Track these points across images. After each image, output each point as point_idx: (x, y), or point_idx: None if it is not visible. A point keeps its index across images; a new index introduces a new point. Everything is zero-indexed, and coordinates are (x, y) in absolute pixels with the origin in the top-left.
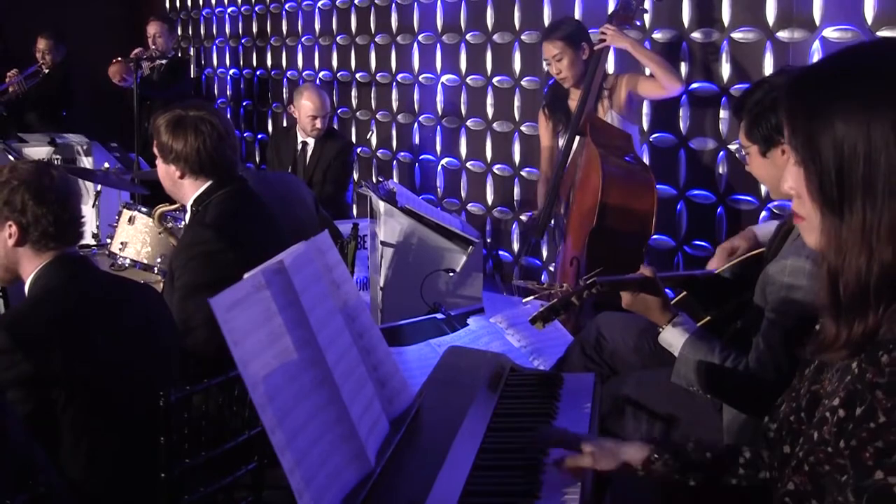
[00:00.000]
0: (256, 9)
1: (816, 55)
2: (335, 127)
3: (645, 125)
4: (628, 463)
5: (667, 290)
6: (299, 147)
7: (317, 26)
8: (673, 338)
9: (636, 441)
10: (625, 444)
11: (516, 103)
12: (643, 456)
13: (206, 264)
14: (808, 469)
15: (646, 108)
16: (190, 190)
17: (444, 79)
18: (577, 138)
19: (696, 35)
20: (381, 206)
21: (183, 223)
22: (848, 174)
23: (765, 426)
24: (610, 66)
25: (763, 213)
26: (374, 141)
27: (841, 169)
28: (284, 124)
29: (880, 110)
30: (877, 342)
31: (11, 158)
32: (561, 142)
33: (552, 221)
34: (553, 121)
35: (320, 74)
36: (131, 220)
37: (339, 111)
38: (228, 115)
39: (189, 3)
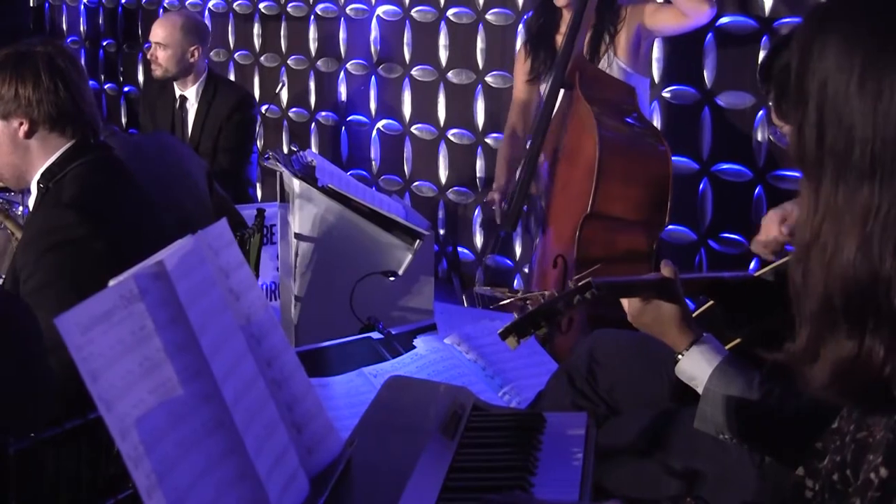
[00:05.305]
0: None
1: None
2: (230, 77)
3: (656, 75)
4: None
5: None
6: (177, 104)
7: None
8: (695, 367)
9: (612, 500)
10: None
11: (479, 44)
12: None
13: (66, 258)
14: None
15: (656, 53)
16: (38, 158)
17: (380, 10)
18: (562, 91)
19: None
20: (296, 185)
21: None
22: (827, 127)
23: (798, 481)
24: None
25: None
26: (284, 96)
27: (822, 118)
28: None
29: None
30: None
31: None
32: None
33: (527, 205)
34: (533, 60)
35: (210, 4)
36: None
37: (235, 55)
38: (83, 61)
39: None
